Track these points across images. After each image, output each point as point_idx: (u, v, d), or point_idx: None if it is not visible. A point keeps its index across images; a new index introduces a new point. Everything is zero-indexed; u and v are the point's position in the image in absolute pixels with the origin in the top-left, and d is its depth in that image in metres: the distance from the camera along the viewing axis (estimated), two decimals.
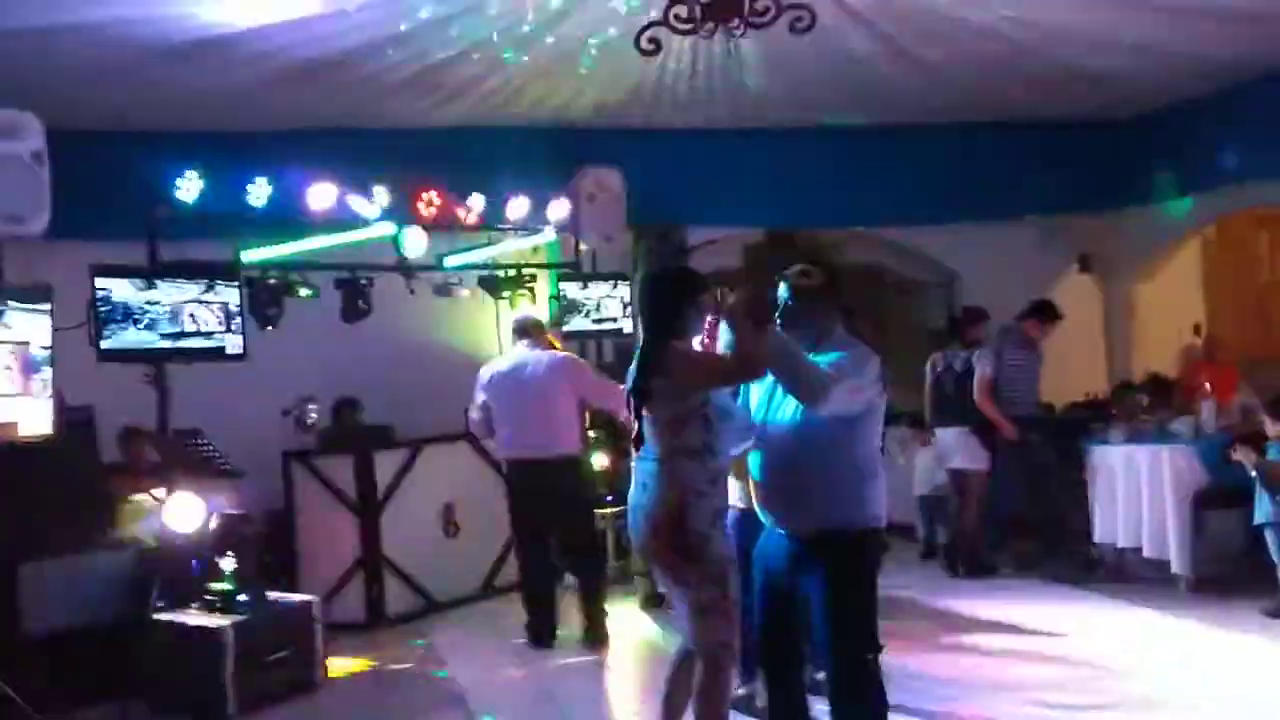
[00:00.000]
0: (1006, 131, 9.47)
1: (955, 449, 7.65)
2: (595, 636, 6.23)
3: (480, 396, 6.32)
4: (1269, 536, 6.06)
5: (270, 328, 6.66)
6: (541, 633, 6.30)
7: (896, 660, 4.23)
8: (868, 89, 8.12)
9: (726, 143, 9.02)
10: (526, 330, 6.44)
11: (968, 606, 6.58)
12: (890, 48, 7.15)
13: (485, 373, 6.37)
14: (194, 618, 5.48)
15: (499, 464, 6.84)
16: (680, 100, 8.11)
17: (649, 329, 3.91)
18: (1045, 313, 7.77)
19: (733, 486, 4.81)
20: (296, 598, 5.93)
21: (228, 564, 5.60)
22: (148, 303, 5.96)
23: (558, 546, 6.46)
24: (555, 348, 6.70)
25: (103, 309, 5.80)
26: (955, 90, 8.28)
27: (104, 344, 5.80)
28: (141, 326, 5.92)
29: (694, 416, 3.73)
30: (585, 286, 8.39)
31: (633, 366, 3.90)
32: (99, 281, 5.81)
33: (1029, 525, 7.74)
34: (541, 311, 7.74)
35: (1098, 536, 7.11)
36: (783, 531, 3.76)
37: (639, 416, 3.83)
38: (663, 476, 3.74)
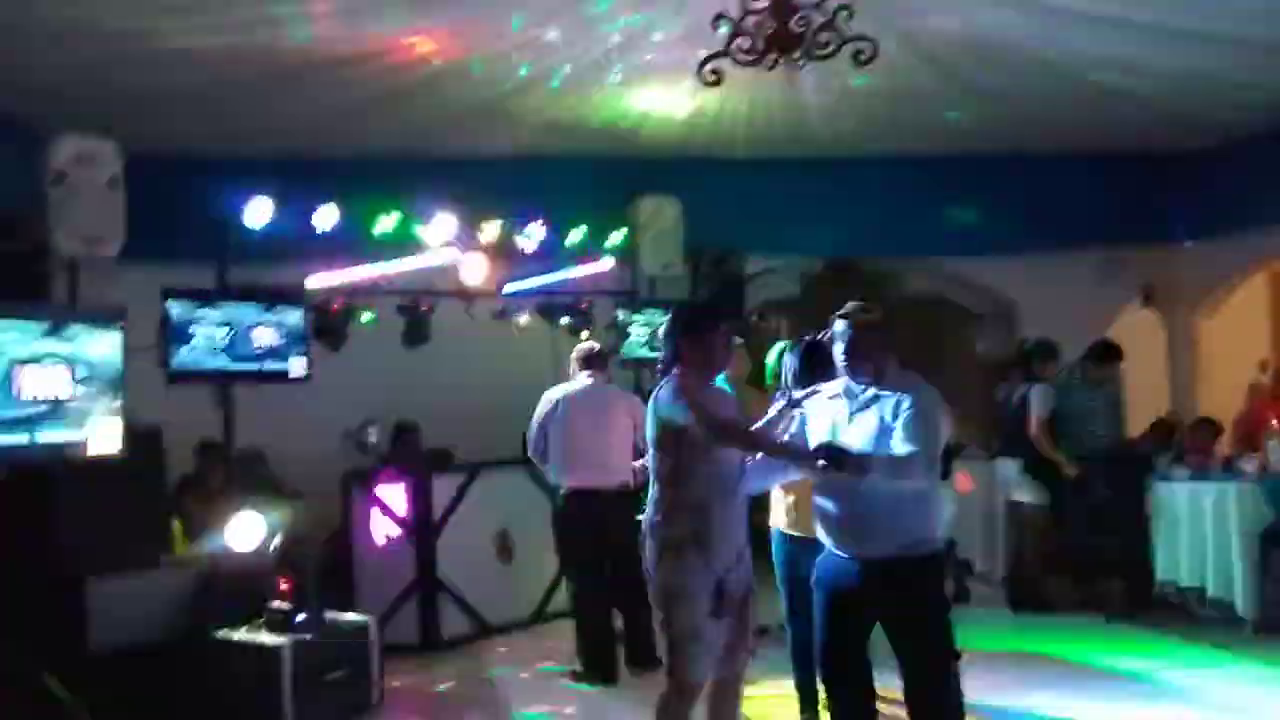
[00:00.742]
0: (1070, 162, 9.42)
1: (1014, 482, 7.56)
2: (645, 659, 6.02)
3: (540, 422, 6.37)
4: None
5: (334, 351, 6.77)
6: (608, 667, 6.16)
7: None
8: (929, 119, 8.12)
9: (786, 172, 9.04)
10: (590, 361, 6.48)
11: (1029, 642, 6.49)
12: (954, 79, 7.14)
13: (548, 399, 6.41)
14: (253, 636, 5.56)
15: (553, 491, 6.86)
16: (740, 130, 8.15)
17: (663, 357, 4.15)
18: (1100, 356, 7.62)
19: (778, 510, 4.84)
20: (354, 618, 5.98)
21: (287, 584, 5.68)
22: (215, 325, 6.10)
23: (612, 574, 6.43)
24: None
25: (172, 331, 5.94)
26: (1019, 121, 8.25)
27: (173, 365, 5.94)
28: (209, 348, 6.05)
29: (668, 444, 3.89)
30: (641, 314, 8.43)
31: None
32: (169, 303, 5.96)
33: (1091, 563, 7.60)
34: (598, 339, 7.78)
35: (1160, 574, 6.97)
36: (848, 556, 3.80)
37: None
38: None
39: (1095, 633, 6.75)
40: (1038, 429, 7.34)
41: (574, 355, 6.56)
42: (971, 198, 9.31)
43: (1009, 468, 7.61)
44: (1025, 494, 7.48)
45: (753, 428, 4.03)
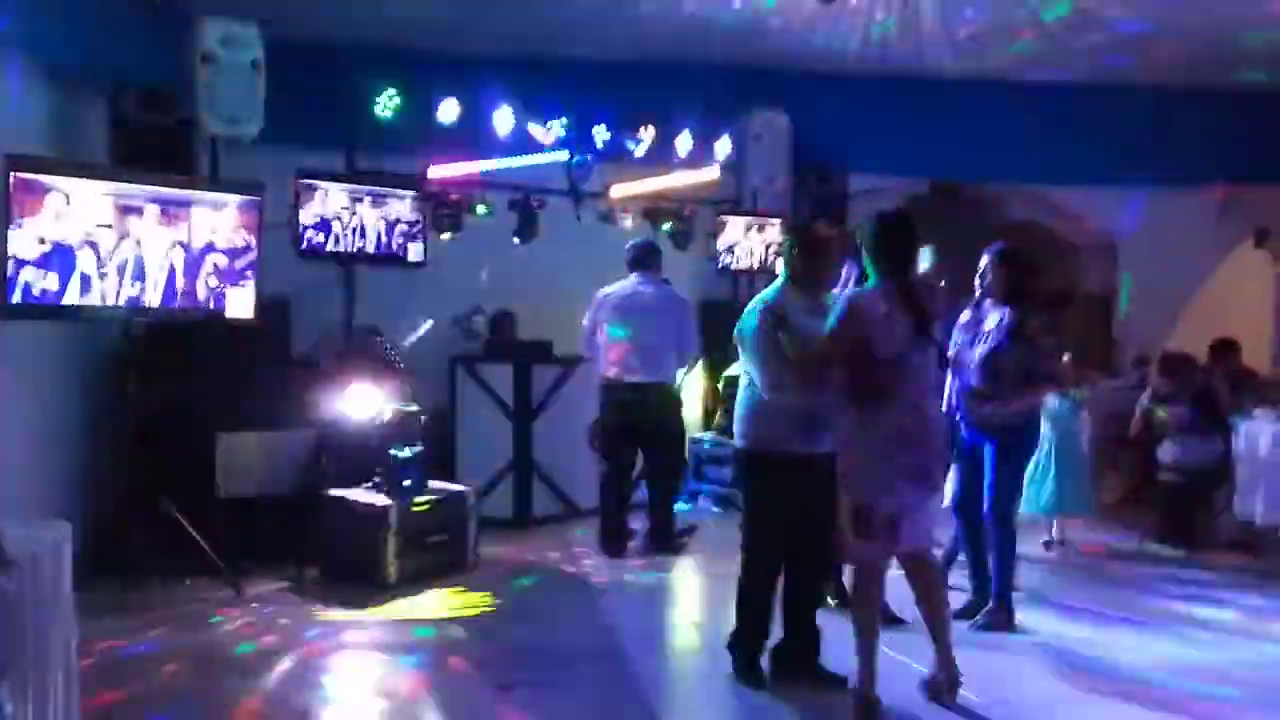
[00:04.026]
0: (1188, 96, 9.22)
1: None
2: (667, 543, 6.81)
3: (590, 320, 6.73)
4: None
5: (448, 238, 7.14)
6: (619, 540, 6.78)
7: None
8: (1048, 44, 8.03)
9: (896, 91, 9.04)
10: (640, 261, 6.75)
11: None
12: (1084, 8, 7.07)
13: (599, 297, 6.75)
14: (365, 496, 6.05)
15: None
16: (853, 48, 8.16)
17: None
18: None
19: None
20: (454, 487, 6.44)
21: (395, 451, 6.13)
22: (342, 207, 6.50)
23: (644, 464, 6.97)
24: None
25: (302, 210, 6.35)
26: (1143, 52, 8.11)
27: (302, 242, 6.36)
28: (336, 229, 6.46)
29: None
30: (744, 224, 8.64)
31: None
32: (301, 183, 6.36)
33: None
34: (703, 248, 8.08)
35: (1238, 512, 7.04)
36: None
37: None
38: None
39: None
40: None
41: (627, 255, 6.85)
42: (1085, 127, 9.19)
43: None
44: None
45: None
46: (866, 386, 4.09)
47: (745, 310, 4.49)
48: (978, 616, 5.31)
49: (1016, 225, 10.21)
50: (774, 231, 8.77)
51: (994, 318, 5.26)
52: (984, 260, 5.37)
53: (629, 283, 6.74)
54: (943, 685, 4.31)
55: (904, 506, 4.10)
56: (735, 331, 4.47)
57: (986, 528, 5.34)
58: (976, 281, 5.42)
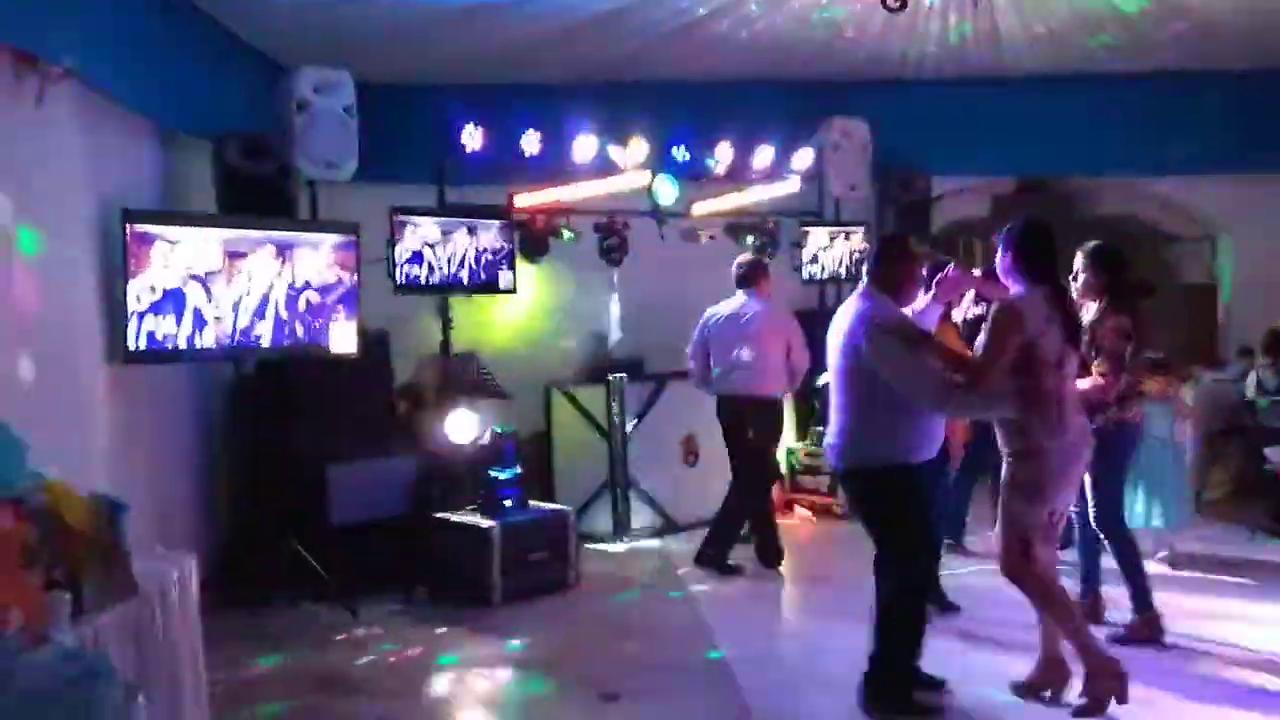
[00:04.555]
0: (1275, 79, 8.98)
1: None
2: (775, 556, 6.75)
3: (698, 337, 6.78)
4: None
5: (537, 265, 7.35)
6: (774, 553, 6.75)
7: None
8: (1132, 34, 7.92)
9: (975, 91, 8.98)
10: (747, 278, 6.81)
11: None
12: None
13: (707, 315, 6.82)
14: (468, 518, 6.26)
15: None
16: (930, 51, 8.17)
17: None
18: None
19: None
20: (554, 507, 6.62)
21: (497, 473, 6.32)
22: (435, 240, 6.74)
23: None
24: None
25: (399, 245, 6.60)
26: (1229, 36, 7.94)
27: (399, 276, 6.62)
28: (429, 261, 6.70)
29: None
30: (827, 234, 8.68)
31: None
32: (396, 219, 6.61)
33: None
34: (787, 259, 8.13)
35: None
36: None
37: None
38: None
39: None
40: None
41: (735, 272, 6.87)
42: (1170, 116, 9.02)
43: None
44: None
45: None
46: (1040, 391, 4.09)
47: (848, 321, 4.25)
48: (1115, 630, 5.09)
49: (1109, 219, 10.07)
50: (857, 239, 8.78)
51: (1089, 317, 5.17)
52: (1076, 260, 5.22)
53: (737, 300, 6.81)
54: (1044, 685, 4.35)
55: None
56: (848, 344, 4.21)
57: (1101, 539, 5.18)
58: (1071, 281, 5.21)
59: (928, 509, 4.38)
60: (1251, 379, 7.57)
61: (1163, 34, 7.87)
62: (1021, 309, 4.10)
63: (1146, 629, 5.05)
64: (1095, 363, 4.83)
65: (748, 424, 6.67)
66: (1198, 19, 7.52)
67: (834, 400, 4.34)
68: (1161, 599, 5.18)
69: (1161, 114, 9.07)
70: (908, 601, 4.28)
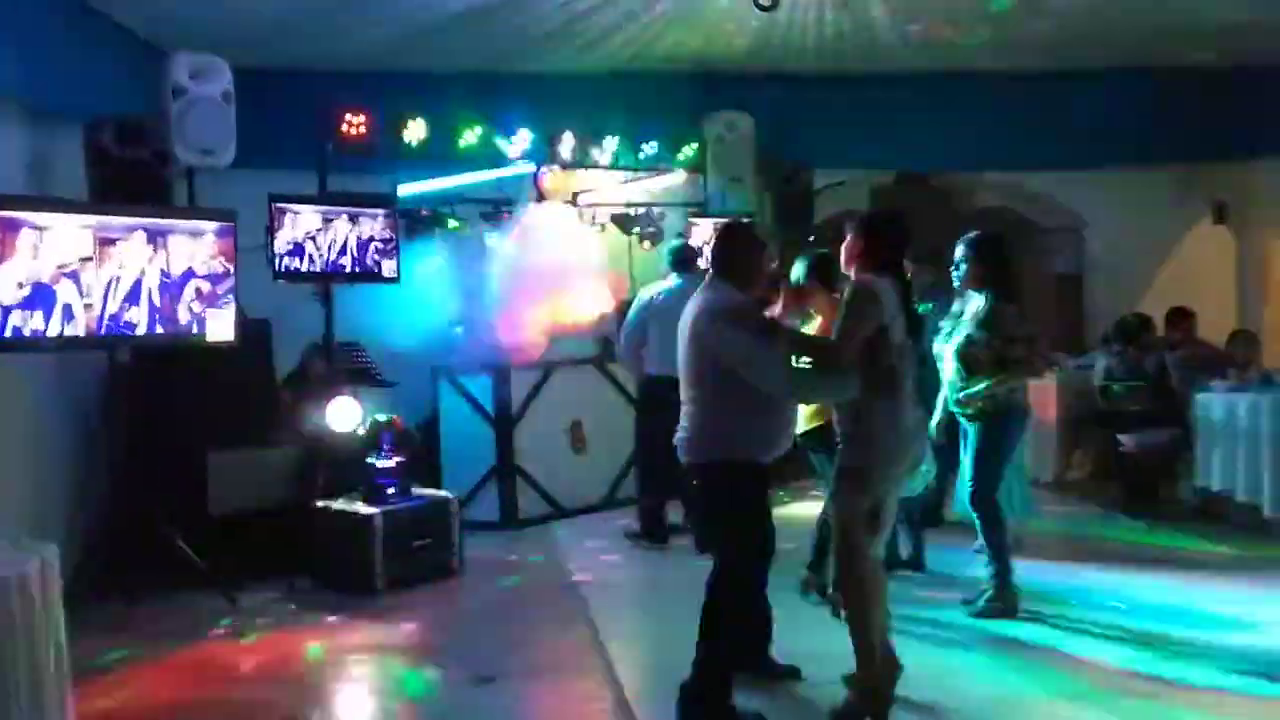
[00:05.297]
0: (1140, 78, 9.44)
1: None
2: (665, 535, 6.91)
3: (638, 318, 6.81)
4: None
5: (421, 255, 7.36)
6: (663, 529, 6.92)
7: None
8: (1001, 34, 8.24)
9: (856, 87, 9.26)
10: (686, 261, 6.91)
11: None
12: None
13: (644, 295, 6.87)
14: (350, 506, 6.26)
15: (622, 386, 7.46)
16: (809, 46, 8.37)
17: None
18: None
19: None
20: (437, 494, 6.65)
21: (379, 461, 6.34)
22: (316, 229, 6.70)
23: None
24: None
25: (278, 232, 6.55)
26: (1090, 37, 8.32)
27: (279, 264, 6.56)
28: (310, 250, 6.66)
29: None
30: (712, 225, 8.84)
31: None
32: (275, 207, 6.56)
33: None
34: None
35: (1199, 480, 7.24)
36: None
37: None
38: None
39: None
40: None
41: (670, 255, 6.97)
42: (1042, 113, 9.41)
43: None
44: None
45: None
46: (886, 376, 4.00)
47: (694, 313, 4.14)
48: (979, 602, 5.29)
49: (985, 212, 10.46)
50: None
51: (973, 306, 5.35)
52: (958, 250, 5.37)
53: (673, 282, 6.82)
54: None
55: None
56: (694, 336, 4.12)
57: (973, 514, 5.33)
58: (951, 271, 5.43)
59: (766, 512, 4.24)
60: (1099, 365, 7.98)
61: (1029, 34, 8.22)
62: (878, 291, 3.99)
63: (1005, 605, 5.26)
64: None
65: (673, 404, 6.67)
66: (1059, 21, 7.87)
67: (683, 393, 4.20)
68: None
69: (1026, 112, 9.47)
70: (733, 604, 4.08)
